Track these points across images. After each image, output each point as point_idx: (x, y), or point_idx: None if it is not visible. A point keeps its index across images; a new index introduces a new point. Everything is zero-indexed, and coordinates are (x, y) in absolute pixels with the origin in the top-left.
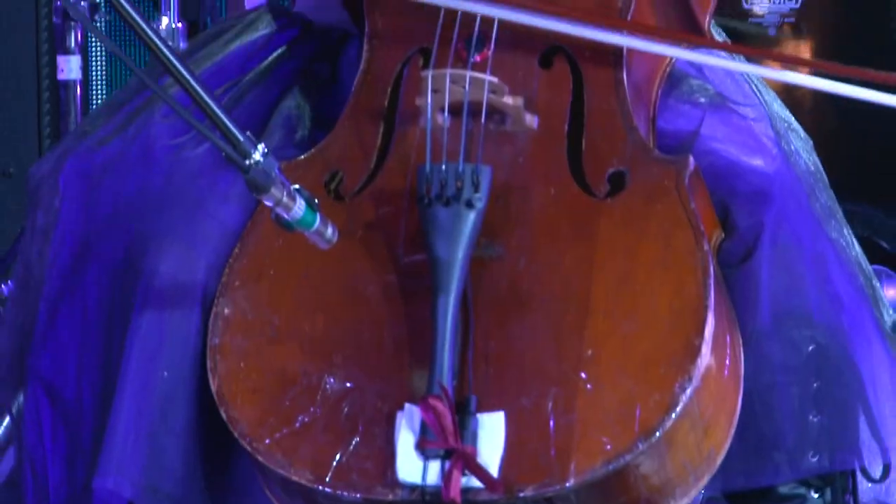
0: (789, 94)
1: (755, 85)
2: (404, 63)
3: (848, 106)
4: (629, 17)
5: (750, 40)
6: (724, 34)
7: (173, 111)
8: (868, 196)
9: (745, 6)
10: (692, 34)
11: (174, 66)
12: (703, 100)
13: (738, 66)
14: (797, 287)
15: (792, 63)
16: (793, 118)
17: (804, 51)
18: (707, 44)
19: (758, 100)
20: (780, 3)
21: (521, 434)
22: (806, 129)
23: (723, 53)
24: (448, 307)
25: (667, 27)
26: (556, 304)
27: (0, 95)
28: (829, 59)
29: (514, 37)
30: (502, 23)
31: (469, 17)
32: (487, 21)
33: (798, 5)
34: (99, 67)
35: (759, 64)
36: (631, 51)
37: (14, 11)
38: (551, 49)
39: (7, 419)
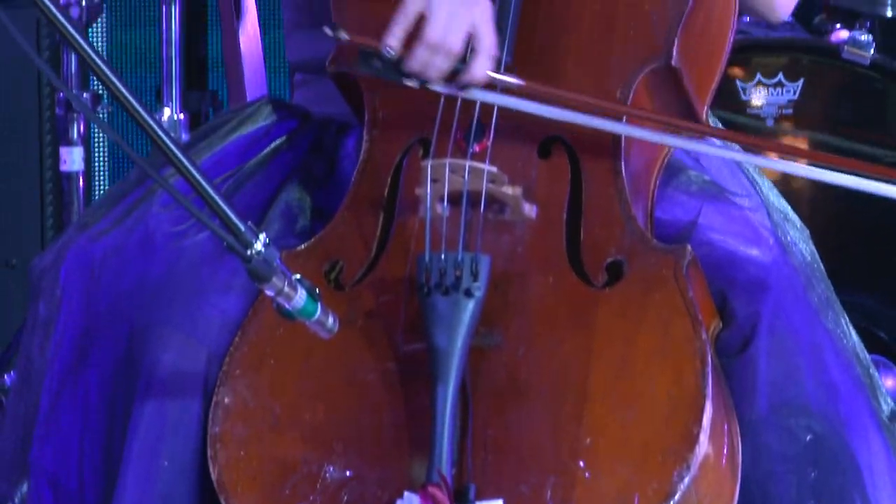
0: (787, 182)
1: (751, 175)
2: (404, 153)
3: (845, 196)
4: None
5: (748, 132)
6: (721, 125)
7: (174, 200)
8: (866, 286)
9: (743, 98)
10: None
11: (176, 156)
12: (699, 190)
13: (736, 155)
14: (794, 377)
15: (789, 153)
16: (789, 208)
17: (802, 142)
18: (706, 131)
19: (754, 190)
20: (777, 94)
21: None
22: (803, 219)
23: (720, 143)
24: (447, 396)
25: (663, 107)
26: (554, 392)
27: (2, 186)
28: (826, 151)
29: (513, 126)
30: (501, 112)
31: (468, 107)
32: (486, 111)
33: (796, 97)
34: (101, 159)
35: (756, 153)
36: (629, 141)
37: (17, 102)
38: (550, 139)
39: None
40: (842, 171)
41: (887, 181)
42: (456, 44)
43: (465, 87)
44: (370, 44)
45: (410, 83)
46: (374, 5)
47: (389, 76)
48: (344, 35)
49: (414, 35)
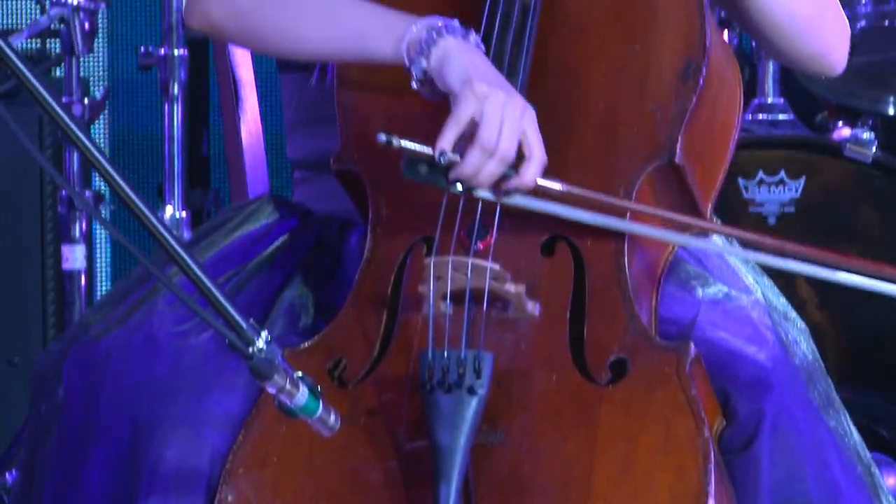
0: (787, 279)
1: (752, 274)
2: (407, 251)
3: (845, 293)
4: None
5: (748, 225)
6: (721, 221)
7: (177, 299)
8: (866, 384)
9: (746, 196)
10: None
11: (178, 254)
12: (701, 288)
13: (738, 252)
14: (797, 475)
15: (791, 252)
16: (789, 306)
17: (806, 240)
18: (710, 228)
19: (754, 289)
20: (779, 192)
21: None
22: (804, 317)
23: (722, 242)
24: (450, 495)
25: (668, 203)
26: (557, 489)
27: (4, 285)
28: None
29: (517, 224)
30: (504, 210)
31: (471, 205)
32: (489, 209)
33: (798, 195)
34: (103, 257)
35: (757, 251)
36: (633, 240)
37: (18, 201)
38: (553, 237)
39: None
40: (844, 270)
41: (888, 280)
42: (510, 149)
43: (510, 192)
44: (422, 152)
45: (457, 189)
46: (380, 100)
47: (437, 182)
48: (397, 141)
49: (466, 140)
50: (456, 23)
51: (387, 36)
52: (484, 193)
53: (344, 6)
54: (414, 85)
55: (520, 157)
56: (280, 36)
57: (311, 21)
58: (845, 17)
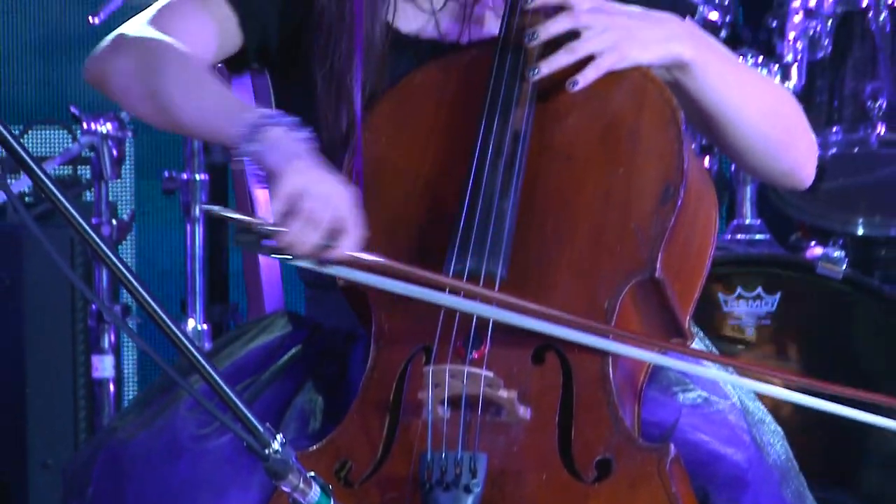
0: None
1: (728, 380)
2: (408, 360)
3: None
4: (615, 317)
5: (728, 341)
6: (702, 333)
7: (198, 405)
8: (837, 483)
9: (725, 309)
10: (673, 335)
11: (200, 363)
12: (682, 394)
13: (710, 372)
14: None
15: (765, 374)
16: (765, 410)
17: (781, 352)
18: (687, 353)
19: (732, 395)
20: (757, 307)
21: None
22: (778, 419)
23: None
24: None
25: (649, 327)
26: None
27: (39, 392)
28: (804, 361)
29: (509, 335)
30: (497, 322)
31: (467, 318)
32: (483, 321)
33: (774, 309)
34: (131, 366)
35: (735, 372)
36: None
37: (52, 314)
38: (543, 346)
39: None
40: (821, 397)
41: (866, 407)
42: (328, 220)
43: (328, 263)
44: (247, 220)
45: (276, 257)
46: (378, 223)
47: (261, 251)
48: (219, 211)
49: (288, 213)
50: (287, 118)
51: (230, 117)
52: (303, 262)
53: (209, 85)
54: (250, 173)
55: (339, 232)
56: (155, 103)
57: (181, 94)
58: (814, 138)
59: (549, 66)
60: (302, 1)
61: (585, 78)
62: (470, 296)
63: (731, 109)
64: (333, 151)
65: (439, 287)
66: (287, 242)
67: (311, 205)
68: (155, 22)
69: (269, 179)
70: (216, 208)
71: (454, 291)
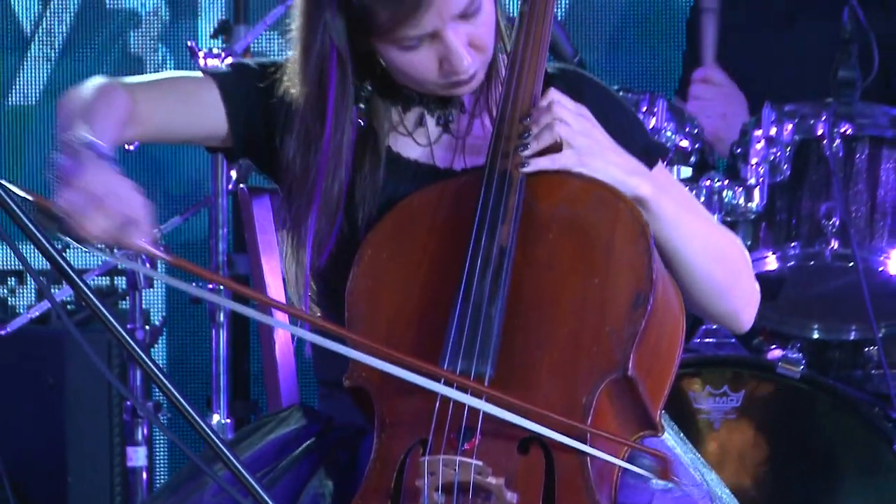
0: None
1: (699, 469)
2: (407, 452)
3: (782, 475)
4: (592, 412)
5: (699, 432)
6: (675, 426)
7: (222, 490)
8: None
9: (695, 405)
10: (646, 428)
11: (224, 453)
12: (654, 481)
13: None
14: None
15: None
16: (732, 496)
17: (745, 444)
18: (658, 455)
19: (700, 481)
20: (723, 402)
21: None
22: (746, 499)
23: (674, 442)
24: None
25: (623, 421)
26: None
27: (79, 479)
28: (767, 453)
29: (497, 428)
30: (486, 417)
31: (459, 413)
32: (474, 416)
33: (738, 404)
34: (161, 456)
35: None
36: (594, 440)
37: (91, 410)
38: (528, 438)
39: None
40: None
41: None
42: (117, 210)
43: (118, 248)
44: (48, 205)
45: (73, 243)
46: (380, 328)
47: (56, 231)
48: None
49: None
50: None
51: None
52: (95, 249)
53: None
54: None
55: (131, 224)
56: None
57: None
58: (757, 287)
59: (534, 167)
60: (281, 112)
61: (536, 164)
62: (462, 388)
63: (682, 249)
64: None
65: (436, 378)
66: (78, 225)
67: (102, 195)
68: (145, 82)
69: (68, 176)
70: (11, 187)
71: (448, 383)
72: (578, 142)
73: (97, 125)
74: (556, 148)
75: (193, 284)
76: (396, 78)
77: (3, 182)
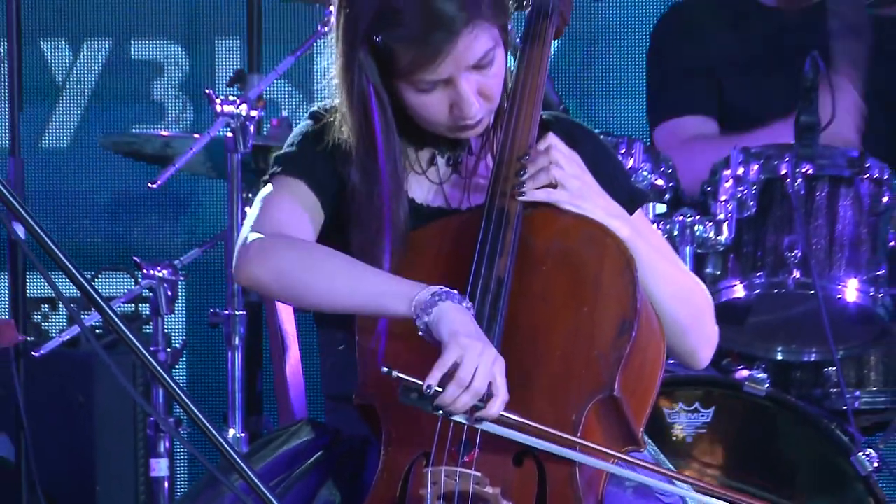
0: None
1: (677, 483)
2: (411, 463)
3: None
4: (581, 428)
5: (673, 445)
6: (652, 443)
7: (238, 499)
8: None
9: (669, 421)
10: (629, 443)
11: (239, 464)
12: (635, 491)
13: (652, 481)
14: None
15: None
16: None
17: (715, 456)
18: (639, 465)
19: (677, 495)
20: (695, 418)
21: None
22: None
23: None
24: None
25: (609, 436)
26: None
27: (107, 489)
28: (734, 464)
29: (494, 442)
30: (484, 432)
31: (459, 428)
32: (473, 431)
33: (709, 420)
34: (182, 467)
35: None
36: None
37: (117, 425)
38: (522, 451)
39: None
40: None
41: None
42: (480, 388)
43: (480, 420)
44: (415, 382)
45: (438, 413)
46: (390, 347)
47: (423, 407)
48: (396, 373)
49: (448, 378)
50: (455, 292)
51: (401, 297)
52: (459, 418)
53: (365, 273)
54: (420, 333)
55: (490, 395)
56: (314, 294)
57: (340, 284)
58: (717, 329)
59: (530, 197)
60: (340, 153)
61: (533, 195)
62: None
63: (652, 288)
64: None
65: None
66: (444, 403)
67: (466, 373)
68: (265, 223)
69: (438, 345)
70: (395, 372)
71: None
72: (570, 184)
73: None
74: (550, 187)
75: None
76: (410, 118)
77: (35, 226)
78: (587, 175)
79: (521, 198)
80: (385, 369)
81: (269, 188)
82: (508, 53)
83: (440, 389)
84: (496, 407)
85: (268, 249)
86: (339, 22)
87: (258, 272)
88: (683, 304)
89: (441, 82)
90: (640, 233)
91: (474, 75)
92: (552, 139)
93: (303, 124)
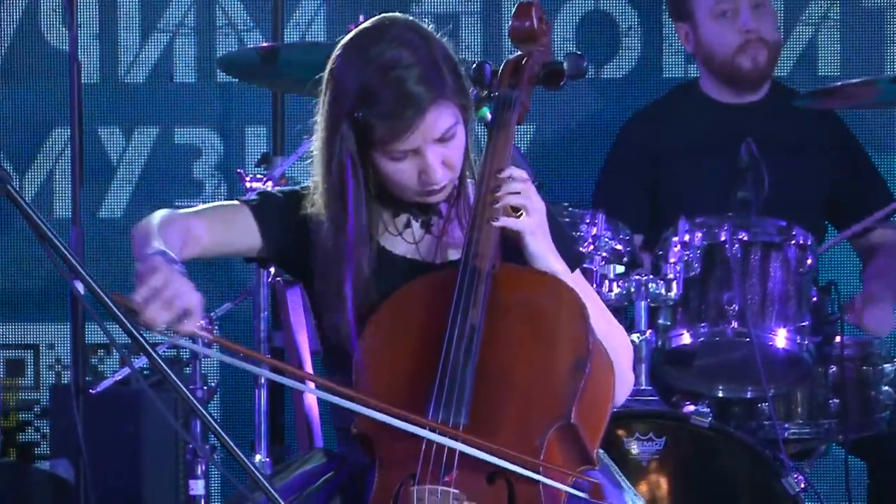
0: None
1: (630, 497)
2: (400, 483)
3: None
4: (543, 450)
5: (631, 468)
6: (619, 472)
7: None
8: None
9: (626, 447)
10: (585, 462)
11: (263, 484)
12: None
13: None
14: None
15: None
16: None
17: (667, 478)
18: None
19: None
20: (649, 446)
21: None
22: None
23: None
24: None
25: (568, 456)
26: None
27: None
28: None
29: (470, 465)
30: (461, 457)
31: (440, 454)
32: (452, 455)
33: (661, 447)
34: (216, 487)
35: None
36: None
37: (161, 452)
38: (494, 472)
39: None
40: None
41: None
42: (176, 305)
43: (176, 334)
44: (126, 297)
45: (142, 327)
46: (381, 384)
47: (135, 320)
48: (119, 295)
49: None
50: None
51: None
52: (159, 335)
53: (147, 239)
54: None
55: (187, 315)
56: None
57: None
58: (632, 377)
59: (503, 223)
60: (303, 229)
61: (504, 221)
62: (443, 433)
63: None
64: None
65: (423, 426)
66: (148, 317)
67: (167, 293)
68: (196, 211)
69: (142, 276)
70: (118, 294)
71: (432, 430)
72: (535, 217)
73: (166, 244)
74: (516, 213)
75: (236, 357)
76: (385, 185)
77: (93, 284)
78: (546, 219)
79: (494, 224)
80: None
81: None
82: (469, 129)
83: (141, 307)
84: (193, 321)
85: (156, 217)
86: (325, 101)
87: (137, 227)
88: (607, 343)
89: (411, 152)
90: (576, 284)
91: (439, 147)
92: (525, 174)
93: (295, 186)
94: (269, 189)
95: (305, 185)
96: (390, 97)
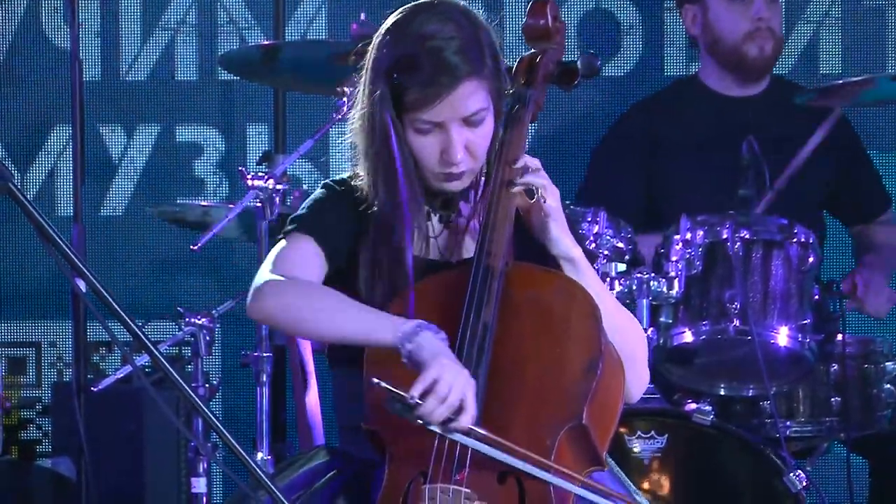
0: None
1: (633, 495)
2: (411, 481)
3: None
4: (554, 451)
5: (633, 466)
6: (622, 474)
7: None
8: None
9: (628, 446)
10: (595, 464)
11: (265, 482)
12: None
13: None
14: None
15: None
16: None
17: (669, 476)
18: (603, 491)
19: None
20: (651, 444)
21: None
22: None
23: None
24: None
25: (578, 457)
26: None
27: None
28: (684, 483)
29: (481, 463)
30: (473, 454)
31: (452, 450)
32: (464, 453)
33: (663, 445)
34: (218, 484)
35: None
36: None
37: (163, 450)
38: (505, 472)
39: None
40: None
41: None
42: (455, 401)
43: (452, 431)
44: (399, 394)
45: (418, 423)
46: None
47: (405, 415)
48: (384, 384)
49: (428, 393)
50: (433, 325)
51: (389, 328)
52: (435, 428)
53: (358, 308)
54: (403, 360)
55: (461, 409)
56: (315, 325)
57: (337, 317)
58: (647, 371)
59: (525, 182)
60: (355, 230)
61: (525, 181)
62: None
63: None
64: None
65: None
66: (423, 413)
67: (443, 388)
68: (277, 269)
69: (419, 368)
70: (383, 383)
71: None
72: (554, 200)
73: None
74: (528, 196)
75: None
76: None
77: (95, 282)
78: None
79: (512, 189)
80: (375, 380)
81: (282, 243)
82: (498, 124)
83: (420, 402)
84: (466, 420)
85: (278, 287)
86: (367, 68)
87: (269, 306)
88: (621, 335)
89: (436, 126)
90: (589, 267)
91: (465, 129)
92: (538, 162)
93: (316, 193)
94: (303, 211)
95: (329, 182)
96: (427, 63)
